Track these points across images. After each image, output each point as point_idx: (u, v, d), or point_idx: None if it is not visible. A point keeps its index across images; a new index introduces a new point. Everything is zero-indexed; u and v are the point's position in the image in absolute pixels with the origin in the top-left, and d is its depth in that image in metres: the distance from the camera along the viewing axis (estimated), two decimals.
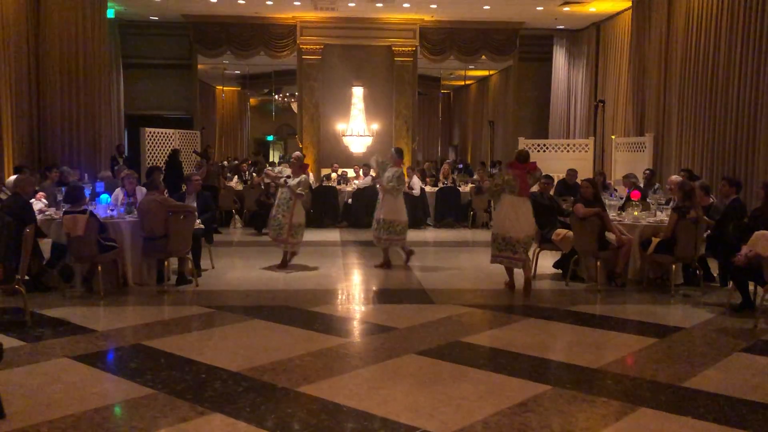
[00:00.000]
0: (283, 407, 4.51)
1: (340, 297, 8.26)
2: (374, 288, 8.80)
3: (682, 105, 12.83)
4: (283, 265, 9.54)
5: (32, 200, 8.38)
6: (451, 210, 14.91)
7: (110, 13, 15.87)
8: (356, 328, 6.80)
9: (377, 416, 4.36)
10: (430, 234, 14.03)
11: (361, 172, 15.65)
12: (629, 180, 11.09)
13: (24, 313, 6.60)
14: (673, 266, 8.13)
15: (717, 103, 11.81)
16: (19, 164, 12.13)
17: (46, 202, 9.27)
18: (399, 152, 10.07)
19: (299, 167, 9.46)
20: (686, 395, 4.81)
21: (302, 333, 6.41)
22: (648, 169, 12.24)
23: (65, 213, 7.84)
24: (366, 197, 14.51)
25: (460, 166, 21.72)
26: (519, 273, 8.17)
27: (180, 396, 4.67)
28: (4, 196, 8.73)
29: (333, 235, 13.26)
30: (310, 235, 12.99)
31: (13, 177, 9.64)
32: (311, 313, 7.14)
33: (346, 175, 16.30)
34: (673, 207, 8.15)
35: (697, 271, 8.28)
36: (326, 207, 14.58)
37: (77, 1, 14.14)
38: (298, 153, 9.98)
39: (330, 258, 10.63)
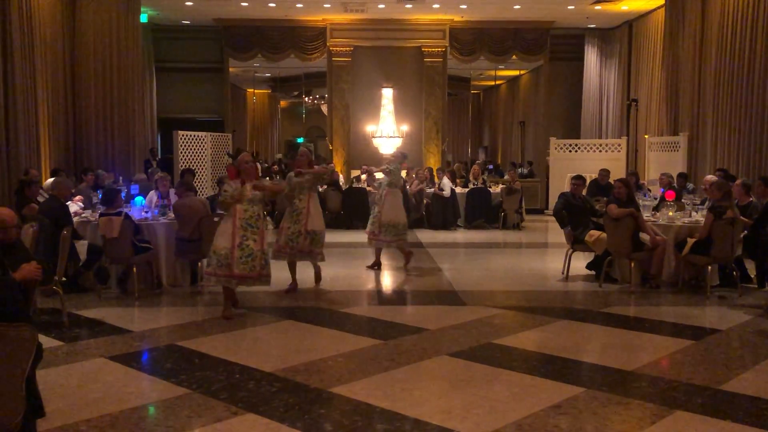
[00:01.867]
0: (316, 408, 4.53)
1: (370, 298, 8.27)
2: (405, 289, 8.80)
3: (717, 104, 12.63)
4: (229, 315, 6.97)
5: (68, 203, 8.53)
6: (481, 211, 14.86)
7: (143, 18, 16.10)
8: (388, 329, 6.80)
9: (410, 417, 4.35)
10: (460, 235, 13.99)
11: None
12: (666, 177, 10.95)
13: (61, 313, 6.72)
14: (709, 267, 8.01)
15: (753, 102, 11.61)
16: (56, 167, 12.37)
17: (82, 205, 9.43)
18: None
19: (253, 172, 7.16)
20: (724, 398, 4.73)
21: (334, 334, 6.44)
22: (680, 174, 12.09)
23: (101, 215, 7.97)
24: None
25: (490, 167, 21.62)
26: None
27: (214, 396, 4.72)
28: (41, 199, 8.89)
29: (363, 236, 13.19)
30: (341, 237, 13.04)
31: (50, 180, 9.82)
32: (343, 314, 7.17)
33: (375, 176, 16.30)
34: (709, 207, 8.01)
35: (734, 273, 8.13)
36: (356, 209, 14.61)
37: (111, 6, 14.38)
38: (245, 154, 7.89)
39: (360, 259, 10.64)
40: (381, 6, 16.29)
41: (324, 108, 21.84)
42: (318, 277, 8.49)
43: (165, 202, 8.90)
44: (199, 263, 8.46)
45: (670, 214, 8.80)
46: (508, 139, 24.31)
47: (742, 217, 8.00)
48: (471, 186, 15.27)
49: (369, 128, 18.19)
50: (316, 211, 8.16)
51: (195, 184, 10.01)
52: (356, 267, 9.95)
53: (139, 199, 9.10)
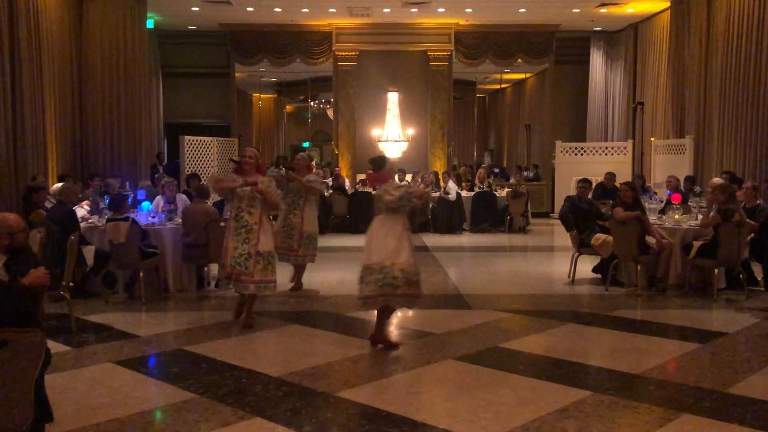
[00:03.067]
0: (322, 412, 4.54)
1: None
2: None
3: (723, 106, 12.60)
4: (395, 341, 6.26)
5: (75, 207, 8.56)
6: (487, 215, 14.85)
7: (150, 24, 16.16)
8: (394, 333, 6.80)
9: (417, 421, 4.36)
10: (466, 239, 13.99)
11: (396, 178, 15.65)
12: (673, 180, 10.92)
13: (69, 319, 6.74)
14: (716, 270, 7.99)
15: (760, 104, 11.59)
16: (63, 173, 12.41)
17: (89, 209, 9.47)
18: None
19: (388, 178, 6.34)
20: (731, 402, 4.72)
21: (340, 338, 6.44)
22: (687, 177, 12.07)
23: (108, 220, 8.01)
24: None
25: (496, 170, 21.60)
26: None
27: (221, 400, 4.73)
28: (49, 205, 8.93)
29: None
30: (346, 241, 13.06)
31: (57, 185, 9.87)
32: (349, 318, 7.17)
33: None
34: (718, 209, 7.97)
35: (741, 275, 8.11)
36: (362, 213, 14.62)
37: (118, 12, 14.45)
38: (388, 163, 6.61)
39: None
40: (386, 10, 16.32)
41: (330, 112, 21.87)
42: (250, 311, 6.87)
43: (172, 207, 8.93)
44: (205, 268, 8.48)
45: (677, 217, 8.79)
46: (513, 143, 24.30)
47: (748, 220, 7.98)
48: (477, 189, 15.27)
49: (375, 132, 18.20)
50: (268, 228, 6.76)
51: None
52: None
53: (145, 204, 9.13)
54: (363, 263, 5.91)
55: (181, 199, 9.39)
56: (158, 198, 9.63)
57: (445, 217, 14.49)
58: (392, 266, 5.75)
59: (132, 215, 8.28)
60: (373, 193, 6.25)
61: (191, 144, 14.92)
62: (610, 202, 9.73)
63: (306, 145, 27.02)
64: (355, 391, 4.92)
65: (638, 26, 17.59)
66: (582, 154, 17.41)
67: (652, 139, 15.98)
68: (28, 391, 3.42)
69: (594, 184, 11.18)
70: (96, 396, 4.87)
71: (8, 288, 3.94)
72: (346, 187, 15.59)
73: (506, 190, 15.43)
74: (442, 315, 7.40)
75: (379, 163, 6.32)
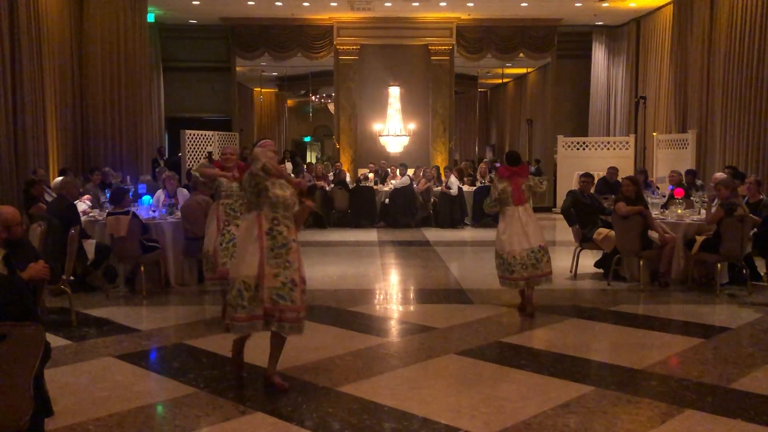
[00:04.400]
0: (324, 406, 4.52)
1: (378, 297, 8.26)
2: (413, 288, 8.78)
3: (726, 101, 12.57)
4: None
5: (77, 202, 8.54)
6: None
7: (150, 18, 16.13)
8: (395, 327, 6.79)
9: (418, 416, 4.34)
10: (468, 233, 13.96)
11: (398, 172, 15.63)
12: (676, 175, 10.89)
13: (70, 313, 6.73)
14: (719, 265, 7.95)
15: (762, 99, 11.55)
16: (63, 167, 12.40)
17: (91, 204, 9.45)
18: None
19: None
20: (735, 397, 4.70)
21: (342, 333, 6.42)
22: (688, 170, 12.03)
23: (109, 214, 7.98)
24: (403, 197, 14.52)
25: (498, 165, 21.53)
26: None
27: (222, 395, 4.72)
28: (49, 199, 8.91)
29: (370, 235, 13.27)
30: (348, 235, 13.03)
31: (58, 179, 9.85)
32: (350, 313, 7.15)
33: (386, 170, 16.30)
34: (720, 204, 7.94)
35: (744, 270, 8.07)
36: (363, 207, 14.60)
37: (118, 6, 14.43)
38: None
39: (368, 258, 10.64)
40: (388, 4, 16.26)
41: (331, 107, 21.84)
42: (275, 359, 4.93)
43: (172, 201, 8.90)
44: None
45: (679, 211, 8.75)
46: (515, 137, 24.24)
47: (751, 215, 7.94)
48: (478, 184, 15.23)
49: (376, 127, 18.17)
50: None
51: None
52: (363, 266, 9.94)
53: (146, 198, 9.11)
54: (524, 247, 6.76)
55: (182, 193, 9.36)
56: (159, 192, 9.61)
57: (447, 212, 14.46)
58: (544, 248, 6.81)
59: (133, 209, 8.25)
60: (498, 183, 7.12)
61: (192, 138, 14.89)
62: (613, 196, 9.70)
63: (307, 139, 26.99)
64: (357, 385, 4.90)
65: (641, 20, 17.52)
66: (584, 149, 17.37)
67: (655, 133, 15.94)
68: (27, 386, 3.39)
69: (596, 179, 11.14)
70: (96, 390, 4.86)
71: (7, 281, 3.91)
72: (347, 182, 15.55)
73: None
74: (443, 309, 7.38)
75: (516, 158, 7.05)
